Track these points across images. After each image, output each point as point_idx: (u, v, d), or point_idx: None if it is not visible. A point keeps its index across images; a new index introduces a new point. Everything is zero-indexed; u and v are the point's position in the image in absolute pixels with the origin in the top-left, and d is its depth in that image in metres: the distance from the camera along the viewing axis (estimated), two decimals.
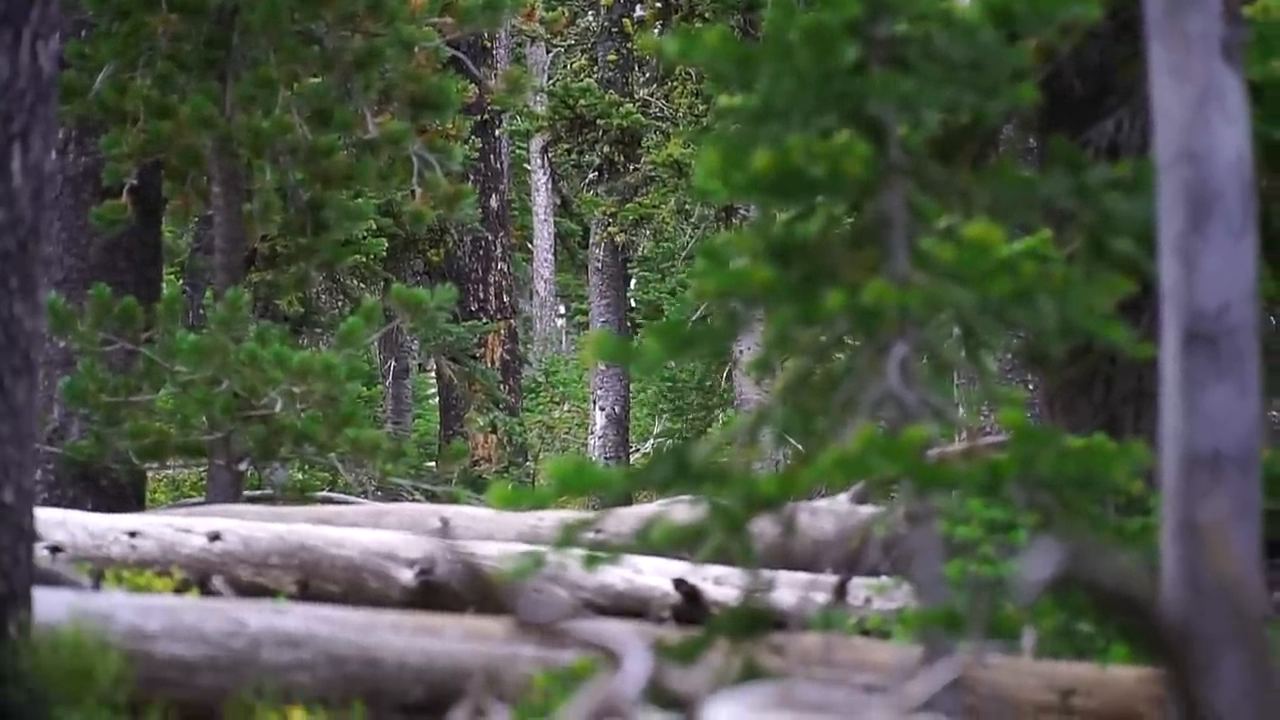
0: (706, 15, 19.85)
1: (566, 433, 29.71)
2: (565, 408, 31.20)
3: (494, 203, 24.07)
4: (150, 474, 17.74)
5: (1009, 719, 7.92)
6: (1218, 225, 6.86)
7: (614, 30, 24.57)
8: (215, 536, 11.17)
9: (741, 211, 21.11)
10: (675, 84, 22.45)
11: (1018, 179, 8.62)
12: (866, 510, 8.25)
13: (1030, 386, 11.98)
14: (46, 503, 10.65)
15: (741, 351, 19.86)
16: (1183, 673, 2.51)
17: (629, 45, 24.10)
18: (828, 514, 10.19)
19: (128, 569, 10.50)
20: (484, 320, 23.25)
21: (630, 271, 29.76)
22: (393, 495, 16.40)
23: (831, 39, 7.58)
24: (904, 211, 7.71)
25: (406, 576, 10.77)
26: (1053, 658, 9.19)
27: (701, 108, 21.23)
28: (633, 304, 31.12)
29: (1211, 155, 6.90)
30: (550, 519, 8.90)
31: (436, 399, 26.04)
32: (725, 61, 7.95)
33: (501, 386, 23.68)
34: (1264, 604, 8.58)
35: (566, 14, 24.94)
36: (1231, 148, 6.90)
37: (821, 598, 8.66)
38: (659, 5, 22.58)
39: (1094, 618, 8.45)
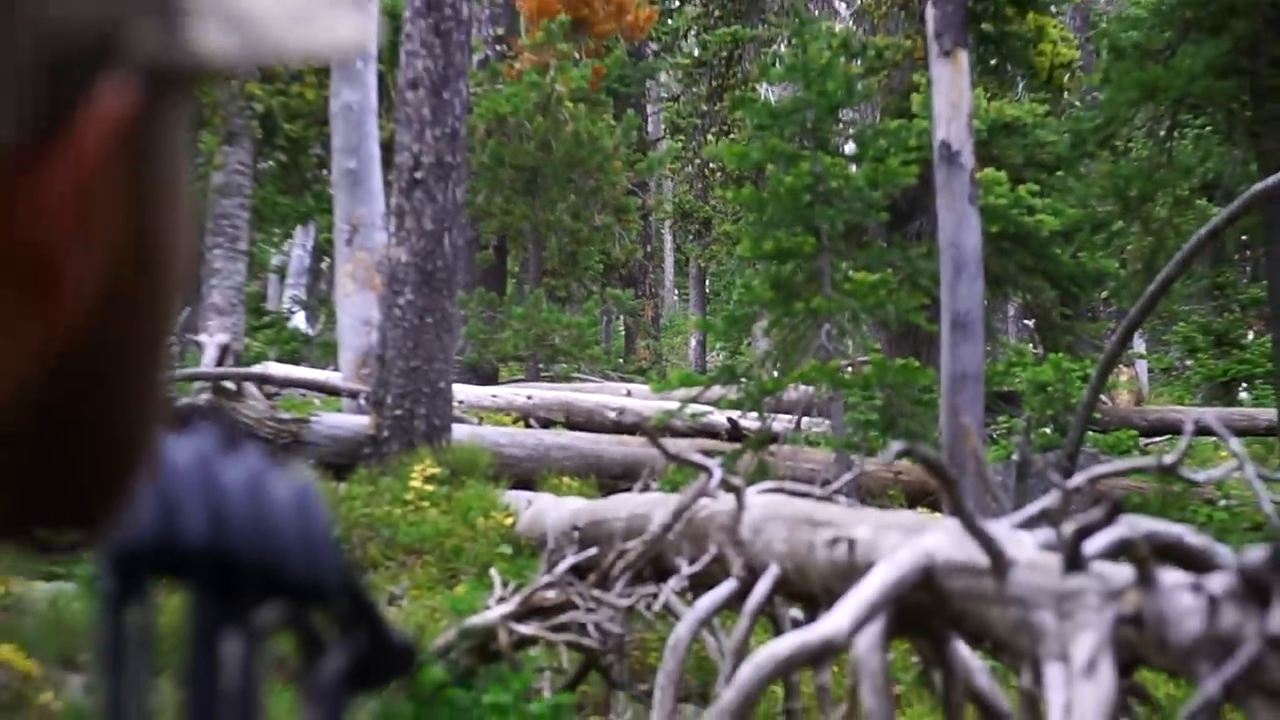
0: (742, 173, 19.61)
1: (679, 350, 29.58)
2: (678, 338, 31.04)
3: (649, 249, 23.92)
4: (500, 368, 17.79)
5: (873, 488, 7.88)
6: (966, 277, 6.77)
7: (702, 175, 24.44)
8: (529, 397, 11.20)
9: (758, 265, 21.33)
10: (728, 197, 22.25)
11: (879, 250, 8.56)
12: (811, 390, 8.15)
13: (882, 338, 11.79)
14: (455, 382, 10.62)
15: (757, 323, 19.84)
16: (950, 484, 2.46)
17: (709, 181, 23.97)
18: (795, 390, 10.06)
19: (492, 413, 10.56)
20: (644, 298, 23.12)
21: (708, 278, 29.61)
22: (605, 378, 16.38)
23: (797, 192, 7.52)
24: (828, 265, 7.65)
25: (612, 415, 10.74)
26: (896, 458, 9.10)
27: (738, 211, 21.03)
28: (708, 293, 30.94)
29: (964, 244, 6.80)
30: (675, 394, 8.88)
31: (623, 333, 25.93)
32: (750, 202, 7.91)
33: (651, 328, 23.58)
34: (984, 450, 8.52)
35: (680, 164, 24.84)
36: (973, 241, 6.81)
37: (790, 427, 8.62)
38: (720, 170, 22.32)
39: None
